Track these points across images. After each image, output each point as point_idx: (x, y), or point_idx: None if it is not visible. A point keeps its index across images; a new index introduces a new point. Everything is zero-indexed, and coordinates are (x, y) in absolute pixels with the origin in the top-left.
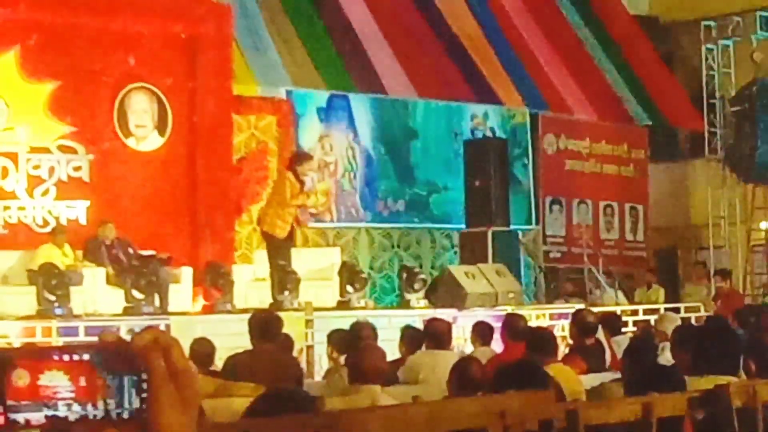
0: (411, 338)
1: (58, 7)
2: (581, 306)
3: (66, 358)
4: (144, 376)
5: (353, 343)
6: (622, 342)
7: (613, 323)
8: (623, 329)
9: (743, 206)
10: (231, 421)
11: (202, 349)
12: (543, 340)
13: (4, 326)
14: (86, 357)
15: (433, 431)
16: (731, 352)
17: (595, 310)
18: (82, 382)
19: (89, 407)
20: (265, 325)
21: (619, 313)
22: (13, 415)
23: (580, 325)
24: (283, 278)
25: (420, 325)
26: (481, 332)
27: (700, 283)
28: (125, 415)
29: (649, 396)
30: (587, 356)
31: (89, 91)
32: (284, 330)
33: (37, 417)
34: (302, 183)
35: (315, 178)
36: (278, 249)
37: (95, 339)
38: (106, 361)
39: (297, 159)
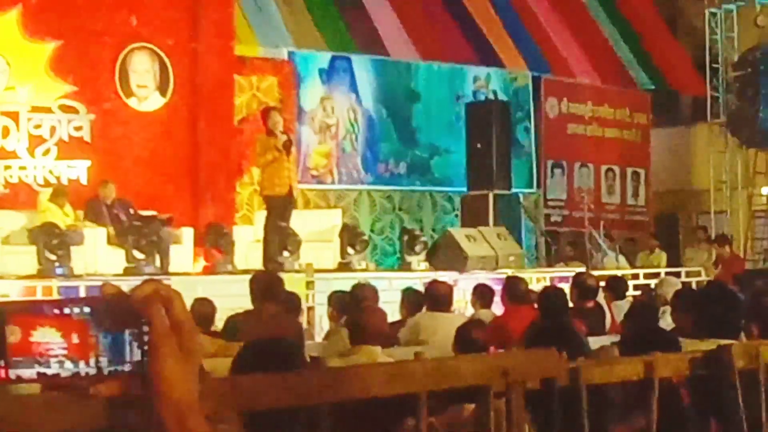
0: (411, 301)
1: None
2: (582, 269)
3: (58, 312)
4: (145, 329)
5: (354, 305)
6: (623, 306)
7: (616, 287)
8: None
9: (745, 171)
10: (231, 377)
11: (203, 310)
12: (554, 299)
13: (5, 286)
14: (79, 311)
15: (435, 388)
16: (732, 316)
17: (596, 273)
18: (75, 339)
19: (81, 364)
20: (266, 286)
21: (622, 277)
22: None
23: (581, 288)
24: (283, 239)
25: (421, 288)
26: (482, 294)
27: (701, 247)
28: (126, 369)
29: (651, 356)
30: (586, 319)
31: (91, 51)
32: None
33: (29, 373)
34: (274, 135)
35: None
36: (278, 210)
37: (95, 294)
38: (101, 315)
39: (263, 115)
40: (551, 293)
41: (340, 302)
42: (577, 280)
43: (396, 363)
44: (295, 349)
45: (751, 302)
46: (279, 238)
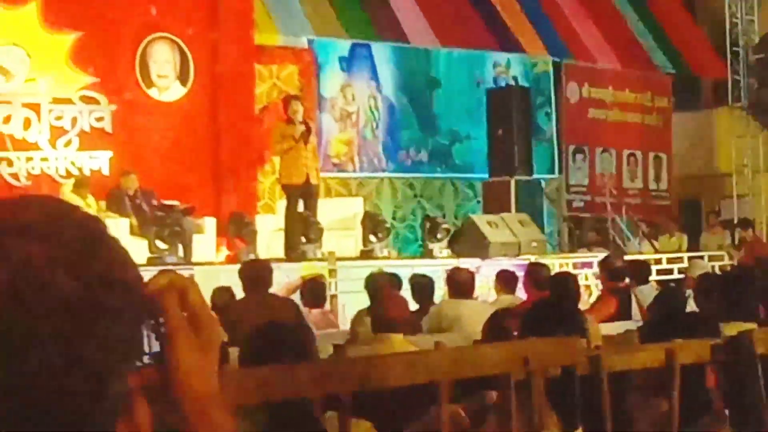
0: (421, 286)
1: None
2: (603, 254)
3: None
4: (162, 320)
5: (374, 293)
6: (646, 291)
7: (639, 271)
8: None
9: (767, 155)
10: (251, 368)
11: (222, 299)
12: (567, 284)
13: None
14: None
15: (455, 377)
16: (749, 300)
17: None
18: None
19: None
20: (255, 275)
21: (645, 261)
22: None
23: (610, 270)
24: (305, 228)
25: (443, 275)
26: (505, 280)
27: (714, 231)
28: (145, 361)
29: (672, 342)
30: (619, 298)
31: (111, 42)
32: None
33: None
34: (293, 124)
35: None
36: (295, 198)
37: None
38: None
39: (284, 103)
40: (560, 278)
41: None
42: (605, 262)
43: (416, 353)
44: (293, 331)
45: (764, 284)
46: (299, 226)
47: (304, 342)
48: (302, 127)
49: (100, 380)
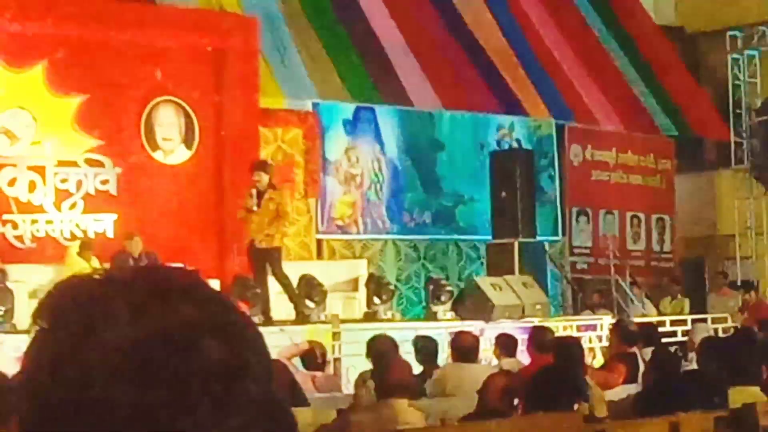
0: (424, 349)
1: (84, 21)
2: (607, 316)
3: None
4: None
5: (378, 357)
6: (648, 353)
7: (646, 334)
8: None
9: None
10: None
11: None
12: (571, 350)
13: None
14: None
15: None
16: (753, 363)
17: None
18: None
19: None
20: None
21: (652, 323)
22: None
23: (623, 334)
24: (311, 290)
25: (447, 338)
26: (504, 344)
27: (723, 293)
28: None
29: (676, 415)
30: (628, 364)
31: (116, 105)
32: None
33: None
34: (255, 190)
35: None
36: (261, 262)
37: None
38: None
39: (251, 170)
40: (565, 342)
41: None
42: (620, 326)
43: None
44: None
45: (765, 345)
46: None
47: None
48: (253, 201)
49: None
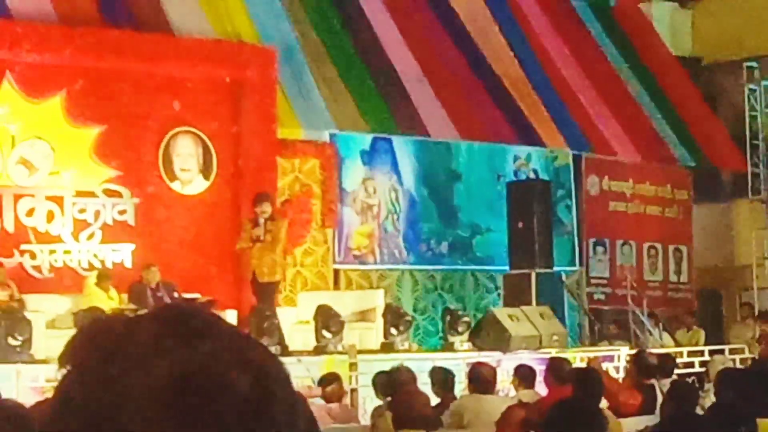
0: (440, 380)
1: (103, 53)
2: (625, 347)
3: None
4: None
5: (395, 389)
6: (665, 384)
7: (664, 365)
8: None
9: None
10: None
11: None
12: (591, 380)
13: (51, 370)
14: None
15: None
16: None
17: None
18: None
19: None
20: None
21: (670, 355)
22: None
23: (642, 366)
24: (328, 320)
25: (464, 368)
26: (524, 375)
27: (746, 324)
28: None
29: None
30: (645, 395)
31: (134, 136)
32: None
33: None
34: (256, 224)
35: (354, 220)
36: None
37: None
38: None
39: (253, 202)
40: (584, 373)
41: (381, 385)
42: (639, 358)
43: None
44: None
45: None
46: (257, 322)
47: None
48: (260, 230)
49: None
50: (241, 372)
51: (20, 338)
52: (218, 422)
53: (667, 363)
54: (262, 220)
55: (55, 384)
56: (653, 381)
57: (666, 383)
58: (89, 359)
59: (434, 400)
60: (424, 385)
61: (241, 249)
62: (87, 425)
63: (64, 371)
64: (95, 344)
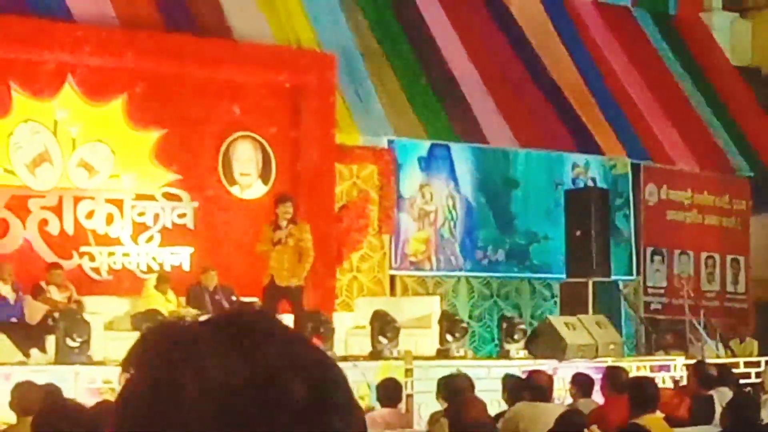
0: (512, 387)
1: (164, 57)
2: (681, 357)
3: None
4: None
5: (452, 395)
6: (725, 393)
7: (721, 375)
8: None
9: None
10: None
11: None
12: (646, 392)
13: (109, 372)
14: None
15: None
16: None
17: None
18: None
19: None
20: None
21: (727, 365)
22: None
23: (702, 377)
24: (384, 326)
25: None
26: (581, 384)
27: None
28: None
29: None
30: (700, 406)
31: (194, 140)
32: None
33: None
34: (279, 228)
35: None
36: (273, 299)
37: None
38: None
39: (275, 204)
40: (641, 383)
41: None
42: (699, 368)
43: None
44: None
45: None
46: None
47: None
48: (283, 233)
49: None
50: (298, 378)
51: (79, 340)
52: (273, 429)
53: (726, 374)
54: (284, 222)
55: (113, 385)
56: (712, 392)
57: (722, 391)
58: (151, 365)
59: (504, 407)
60: (483, 392)
61: (261, 252)
62: (148, 430)
63: (126, 375)
64: (157, 350)
